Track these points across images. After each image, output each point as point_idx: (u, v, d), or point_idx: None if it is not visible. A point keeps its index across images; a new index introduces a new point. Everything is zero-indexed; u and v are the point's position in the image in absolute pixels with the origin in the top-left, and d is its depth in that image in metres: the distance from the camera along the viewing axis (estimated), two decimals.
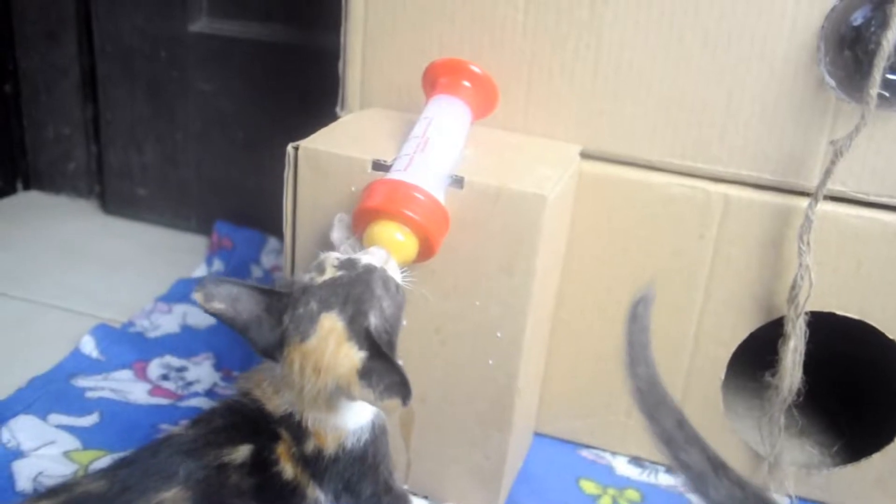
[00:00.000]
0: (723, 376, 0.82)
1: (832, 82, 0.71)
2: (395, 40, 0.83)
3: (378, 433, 0.63)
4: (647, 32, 0.75)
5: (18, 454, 0.78)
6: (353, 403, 0.59)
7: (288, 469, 0.60)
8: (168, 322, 1.07)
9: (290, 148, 0.72)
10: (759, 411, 0.80)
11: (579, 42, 0.77)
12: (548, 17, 0.78)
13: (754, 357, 0.78)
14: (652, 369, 0.55)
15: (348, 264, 0.59)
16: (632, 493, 0.83)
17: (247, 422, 0.60)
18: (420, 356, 0.73)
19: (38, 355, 0.95)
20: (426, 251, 0.65)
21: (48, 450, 0.79)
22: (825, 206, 0.73)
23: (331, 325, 0.56)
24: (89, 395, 0.89)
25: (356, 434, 0.61)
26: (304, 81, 1.21)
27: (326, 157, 0.71)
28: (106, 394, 0.90)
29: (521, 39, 0.79)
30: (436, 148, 0.68)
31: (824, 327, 0.75)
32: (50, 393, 0.88)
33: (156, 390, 0.92)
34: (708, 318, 0.80)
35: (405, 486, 0.74)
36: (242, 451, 0.58)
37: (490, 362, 0.71)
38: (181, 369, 0.97)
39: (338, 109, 0.88)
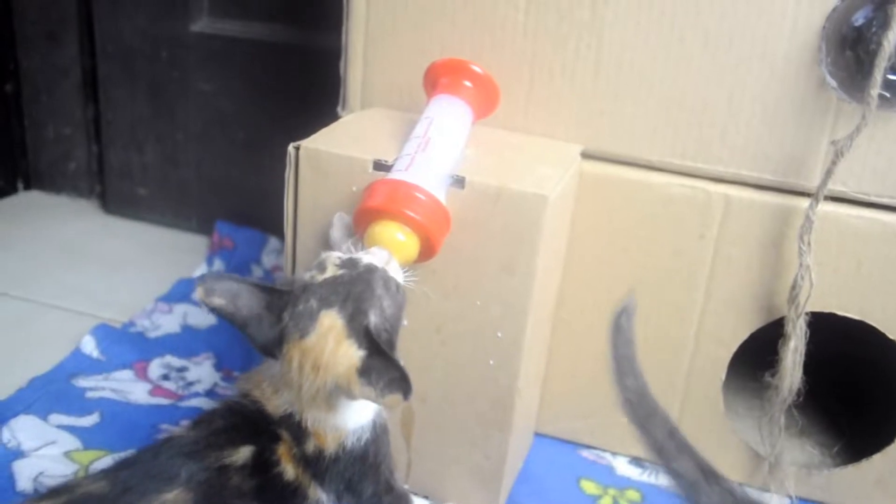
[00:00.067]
0: (723, 376, 0.82)
1: (833, 82, 0.72)
2: (397, 40, 0.83)
3: (379, 432, 0.63)
4: (648, 33, 0.75)
5: (19, 454, 0.78)
6: (353, 402, 0.59)
7: (289, 470, 0.60)
8: (169, 322, 1.07)
9: (291, 148, 0.72)
10: (759, 411, 0.80)
11: (580, 42, 0.77)
12: (549, 18, 0.78)
13: (755, 357, 0.78)
14: (640, 380, 0.56)
15: (350, 263, 0.60)
16: (632, 494, 0.84)
17: (247, 423, 0.60)
18: (421, 356, 0.73)
19: (39, 355, 0.95)
20: (427, 251, 0.65)
21: (49, 450, 0.79)
22: (826, 207, 0.73)
23: (330, 322, 0.56)
24: (90, 395, 0.89)
25: (356, 433, 0.61)
26: (304, 81, 1.21)
27: (327, 157, 0.71)
28: (106, 394, 0.90)
29: (521, 40, 0.79)
30: (437, 148, 0.68)
31: (825, 327, 0.75)
32: (50, 393, 0.88)
33: (156, 390, 0.92)
34: (708, 319, 0.80)
35: (406, 486, 0.74)
36: (243, 453, 0.58)
37: (491, 362, 0.71)
38: (182, 369, 0.97)
39: (339, 109, 0.88)
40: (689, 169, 0.78)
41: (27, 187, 1.48)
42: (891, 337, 0.76)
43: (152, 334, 1.04)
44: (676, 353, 0.82)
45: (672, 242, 0.79)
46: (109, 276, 1.20)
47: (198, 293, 0.58)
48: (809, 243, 0.72)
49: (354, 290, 0.57)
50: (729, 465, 0.84)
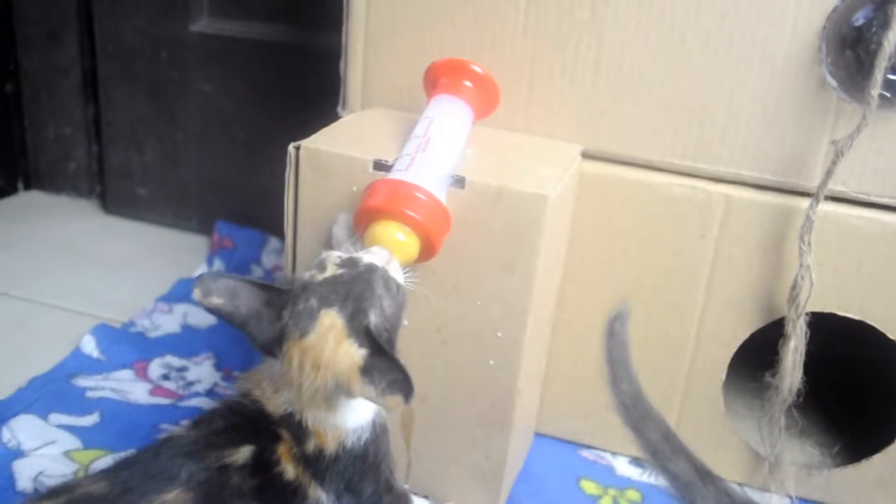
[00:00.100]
0: (724, 377, 0.82)
1: (833, 82, 0.72)
2: (397, 40, 0.83)
3: (379, 432, 0.63)
4: (649, 33, 0.75)
5: (19, 454, 0.78)
6: (353, 402, 0.59)
7: (289, 469, 0.60)
8: (169, 322, 1.07)
9: (291, 148, 0.72)
10: (759, 411, 0.80)
11: (580, 42, 0.77)
12: (549, 18, 0.78)
13: (755, 357, 0.78)
14: (635, 384, 0.56)
15: (350, 263, 0.60)
16: (632, 494, 0.83)
17: (247, 423, 0.60)
18: (421, 356, 0.73)
19: (39, 355, 0.95)
20: (427, 251, 0.65)
21: (49, 449, 0.79)
22: (826, 207, 0.73)
23: (330, 321, 0.56)
24: (90, 394, 0.89)
25: (356, 433, 0.61)
26: (305, 81, 1.21)
27: (328, 156, 0.71)
28: (106, 393, 0.90)
29: (522, 40, 0.79)
30: (437, 148, 0.68)
31: (825, 328, 0.75)
32: (50, 393, 0.88)
33: (156, 390, 0.92)
34: (709, 319, 0.80)
35: (406, 486, 0.74)
36: (244, 453, 0.58)
37: (491, 362, 0.71)
38: (182, 369, 0.97)
39: (339, 109, 0.88)
40: (690, 169, 0.78)
41: (27, 187, 1.48)
42: (891, 337, 0.76)
43: (152, 334, 1.04)
44: (677, 353, 0.82)
45: (672, 242, 0.79)
46: (109, 276, 1.20)
47: (195, 294, 0.58)
48: (810, 243, 0.72)
49: (354, 289, 0.57)
50: (729, 465, 0.84)
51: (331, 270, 0.59)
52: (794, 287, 0.73)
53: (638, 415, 0.55)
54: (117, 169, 1.39)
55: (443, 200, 0.66)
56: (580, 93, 0.79)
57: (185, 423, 0.62)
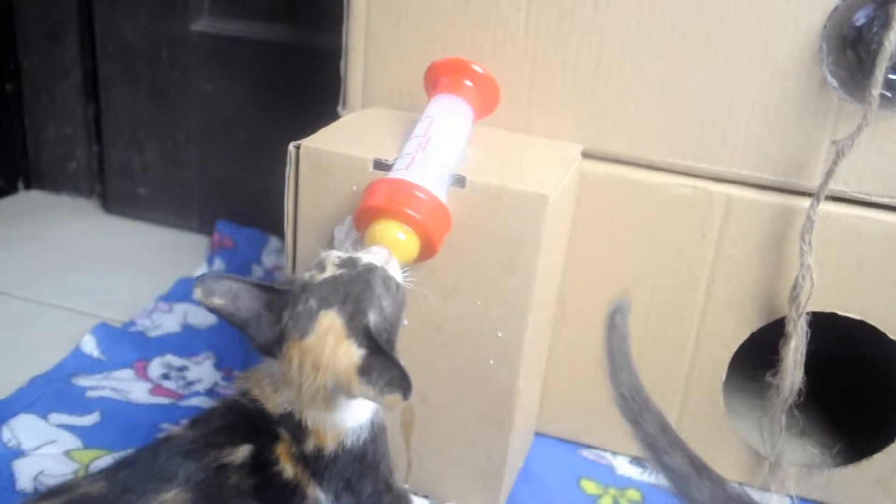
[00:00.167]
0: (724, 376, 0.82)
1: (834, 82, 0.71)
2: (398, 40, 0.83)
3: (377, 431, 0.63)
4: (649, 33, 0.75)
5: (19, 453, 0.78)
6: (353, 401, 0.59)
7: (288, 469, 0.59)
8: (169, 321, 1.07)
9: (291, 147, 0.72)
10: (760, 411, 0.80)
11: (581, 42, 0.77)
12: (550, 18, 0.78)
13: (755, 357, 0.78)
14: (634, 377, 0.56)
15: (349, 263, 0.59)
16: (633, 493, 0.83)
17: (246, 422, 0.60)
18: (421, 356, 0.73)
19: (39, 354, 0.95)
20: (427, 250, 0.65)
21: (49, 449, 0.79)
22: (827, 207, 0.73)
23: (330, 322, 0.56)
24: (90, 394, 0.89)
25: (356, 432, 0.61)
26: (305, 81, 1.21)
27: (328, 156, 0.71)
28: (107, 393, 0.90)
29: (523, 40, 0.79)
30: (437, 147, 0.68)
31: (825, 327, 0.75)
32: (51, 392, 0.88)
33: (157, 390, 0.92)
34: (709, 318, 0.80)
35: (406, 486, 0.74)
36: (242, 452, 0.58)
37: (491, 362, 0.71)
38: (182, 369, 0.97)
39: (339, 109, 0.88)
40: (691, 169, 0.78)
41: (27, 187, 1.48)
42: (891, 337, 0.76)
43: (153, 334, 1.04)
44: (677, 353, 0.82)
45: (673, 242, 0.79)
46: (110, 276, 1.20)
47: (197, 294, 0.58)
48: (810, 243, 0.72)
49: (354, 289, 0.57)
50: (729, 464, 0.84)
51: (330, 271, 0.59)
52: (794, 287, 0.73)
53: (637, 407, 0.55)
54: (118, 169, 1.39)
55: (443, 200, 0.65)
56: (581, 92, 0.79)
57: (183, 422, 0.62)
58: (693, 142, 0.77)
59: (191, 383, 0.94)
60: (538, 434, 0.90)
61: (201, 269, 1.23)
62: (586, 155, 0.80)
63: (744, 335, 0.80)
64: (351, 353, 0.55)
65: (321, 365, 0.56)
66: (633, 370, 0.56)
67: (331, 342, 0.56)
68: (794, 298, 0.73)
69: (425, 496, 0.78)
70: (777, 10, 0.71)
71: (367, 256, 0.60)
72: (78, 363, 0.95)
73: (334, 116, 0.85)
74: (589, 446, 0.90)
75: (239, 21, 1.27)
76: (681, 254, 0.79)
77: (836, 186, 0.73)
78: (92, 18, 1.32)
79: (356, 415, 0.61)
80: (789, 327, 0.74)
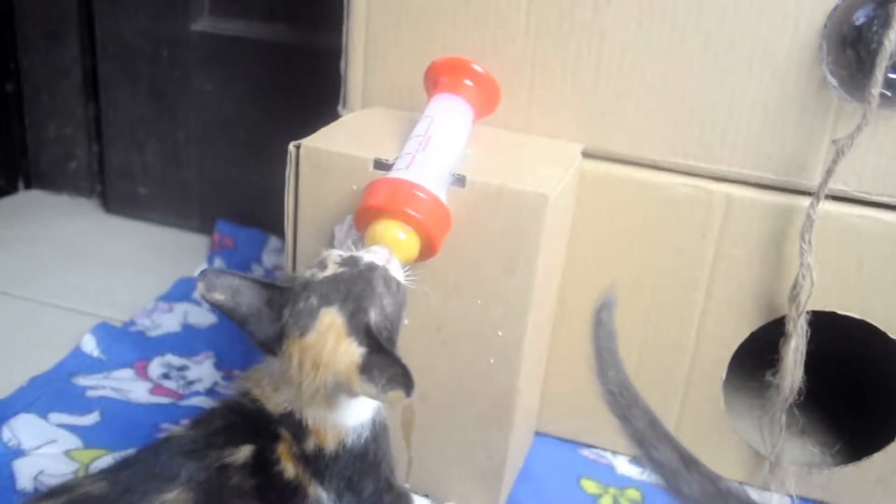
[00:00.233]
0: (724, 376, 0.82)
1: (834, 82, 0.71)
2: (398, 39, 0.83)
3: (379, 430, 0.63)
4: (649, 33, 0.75)
5: (19, 453, 0.78)
6: (353, 400, 0.59)
7: (289, 468, 0.59)
8: (169, 321, 1.07)
9: (291, 146, 0.72)
10: (760, 410, 0.80)
11: (581, 42, 0.77)
12: (550, 18, 0.78)
13: (755, 356, 0.78)
14: (622, 373, 0.56)
15: (350, 261, 0.59)
16: (633, 493, 0.83)
17: (247, 422, 0.60)
18: (421, 355, 0.73)
19: (39, 354, 0.95)
20: (428, 250, 0.65)
21: (49, 448, 0.79)
22: (827, 206, 0.73)
23: (330, 320, 0.56)
24: (90, 393, 0.89)
25: (357, 431, 0.61)
26: (305, 81, 1.21)
27: (328, 155, 0.71)
28: (107, 393, 0.90)
29: (523, 39, 0.79)
30: (438, 146, 0.68)
31: (825, 327, 0.75)
32: (51, 392, 0.88)
33: (157, 389, 0.92)
34: (709, 318, 0.80)
35: (406, 485, 0.74)
36: (243, 452, 0.58)
37: (491, 362, 0.71)
38: (182, 368, 0.97)
39: (340, 108, 0.88)
40: (691, 168, 0.78)
41: (28, 187, 1.48)
42: (892, 336, 0.76)
43: (153, 333, 1.04)
44: (677, 353, 0.82)
45: (673, 242, 0.79)
46: (110, 276, 1.20)
47: (199, 288, 0.58)
48: (810, 242, 0.72)
49: (355, 288, 0.57)
50: (729, 464, 0.84)
51: (331, 269, 0.59)
52: (794, 286, 0.73)
53: (625, 403, 0.55)
54: (118, 168, 1.39)
55: (443, 199, 0.65)
56: (581, 92, 0.79)
57: (184, 422, 0.62)
58: (693, 142, 0.77)
59: (191, 383, 0.94)
60: (538, 434, 0.90)
61: (201, 269, 1.22)
62: (586, 155, 0.80)
63: (744, 335, 0.80)
64: (352, 352, 0.55)
65: (321, 363, 0.56)
66: (621, 366, 0.57)
67: (331, 340, 0.56)
68: (794, 298, 0.73)
69: (425, 495, 0.78)
70: (777, 10, 0.71)
71: (368, 255, 0.60)
72: (78, 363, 0.95)
73: (334, 116, 0.85)
74: (589, 446, 0.90)
75: (239, 21, 1.27)
76: (681, 254, 0.79)
77: (835, 186, 0.73)
78: (92, 18, 1.32)
79: (357, 413, 0.61)
80: (789, 326, 0.74)
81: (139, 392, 0.91)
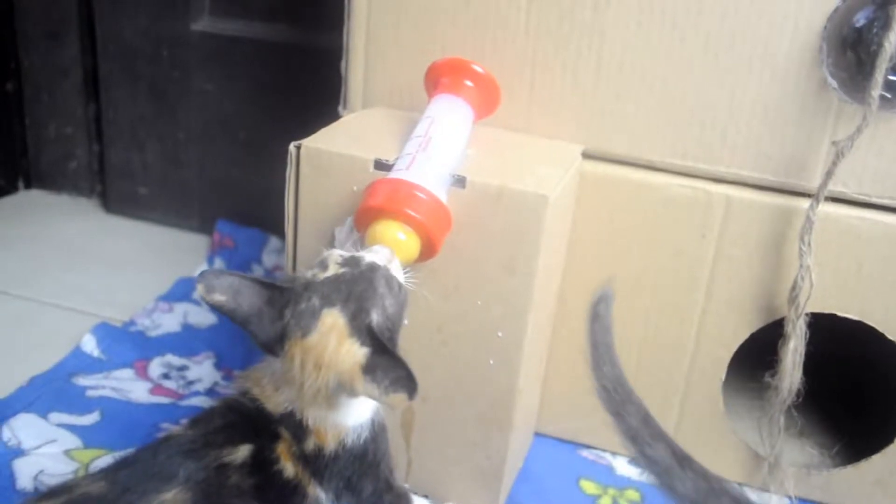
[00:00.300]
0: (723, 377, 0.82)
1: (834, 83, 0.72)
2: (398, 40, 0.83)
3: (378, 430, 0.63)
4: (649, 33, 0.75)
5: (19, 452, 0.78)
6: (354, 400, 0.59)
7: (288, 468, 0.59)
8: (169, 321, 1.07)
9: (292, 147, 0.72)
10: (759, 412, 0.80)
11: (581, 42, 0.78)
12: (550, 18, 0.78)
13: (755, 357, 0.78)
14: (617, 368, 0.56)
15: (352, 262, 0.59)
16: (632, 494, 0.84)
17: (246, 421, 0.60)
18: (421, 356, 0.73)
19: (39, 354, 0.95)
20: (428, 250, 0.65)
21: (49, 448, 0.79)
22: (826, 208, 0.73)
23: (332, 321, 0.56)
24: (90, 393, 0.89)
25: (356, 431, 0.61)
26: (306, 81, 1.21)
27: (328, 156, 0.71)
28: (107, 392, 0.90)
29: (523, 40, 0.79)
30: (438, 147, 0.68)
31: (825, 328, 0.75)
32: (51, 391, 0.88)
33: (157, 389, 0.92)
34: (709, 319, 0.80)
35: (406, 486, 0.74)
36: (242, 451, 0.58)
37: (491, 362, 0.71)
38: (182, 368, 0.97)
39: (340, 109, 0.88)
40: (690, 169, 0.78)
41: (28, 186, 1.48)
42: (891, 338, 0.76)
43: (153, 333, 1.04)
44: (676, 353, 0.82)
45: (673, 243, 0.79)
46: (110, 276, 1.20)
47: (198, 290, 0.58)
48: (810, 244, 0.72)
49: (357, 288, 0.57)
50: (728, 465, 0.84)
51: (333, 269, 0.59)
52: (794, 287, 0.73)
53: (619, 399, 0.55)
54: (118, 168, 1.39)
55: (444, 200, 0.66)
56: (581, 93, 0.79)
57: (183, 422, 0.62)
58: (693, 142, 0.77)
59: (191, 383, 0.94)
60: (538, 434, 0.90)
61: (201, 269, 1.22)
62: (586, 155, 0.80)
63: (743, 335, 0.80)
64: (354, 352, 0.55)
65: (323, 363, 0.56)
66: (616, 362, 0.56)
67: (333, 341, 0.56)
68: (793, 299, 0.73)
69: (425, 496, 0.78)
70: (777, 10, 0.72)
71: (369, 256, 0.60)
72: (78, 363, 0.95)
73: (335, 116, 0.85)
74: (588, 446, 0.90)
75: (239, 21, 1.27)
76: (681, 254, 0.79)
77: (835, 187, 0.73)
78: (92, 18, 1.32)
79: (357, 414, 0.61)
80: (788, 328, 0.74)
81: (139, 392, 0.91)
